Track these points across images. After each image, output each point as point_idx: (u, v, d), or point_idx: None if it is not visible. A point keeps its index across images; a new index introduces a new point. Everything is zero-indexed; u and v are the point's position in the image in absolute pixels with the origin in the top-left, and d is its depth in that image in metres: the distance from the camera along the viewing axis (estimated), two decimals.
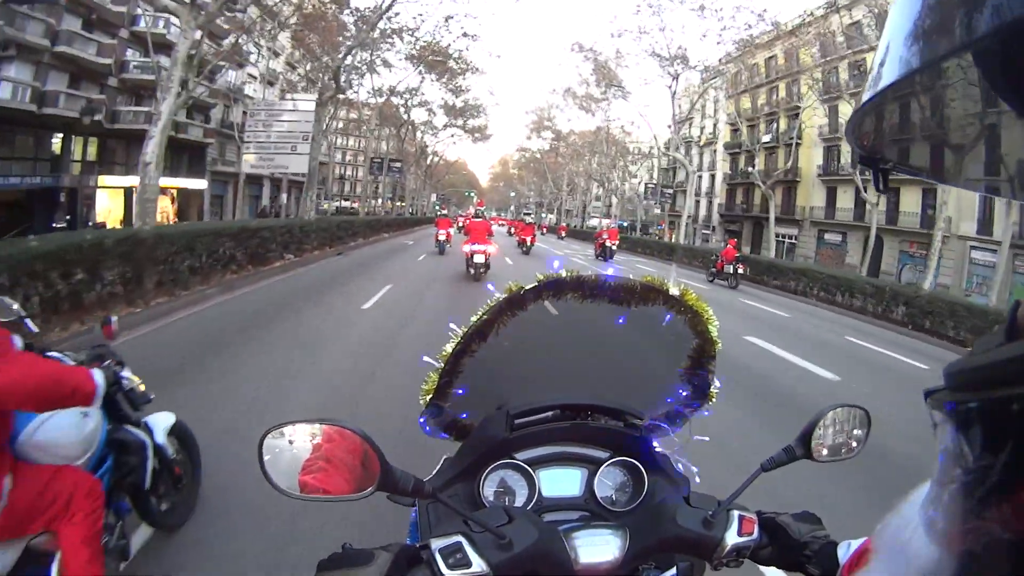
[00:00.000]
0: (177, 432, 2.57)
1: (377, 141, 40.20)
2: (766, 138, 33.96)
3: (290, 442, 0.75)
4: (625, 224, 54.20)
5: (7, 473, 1.56)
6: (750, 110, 35.80)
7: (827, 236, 32.16)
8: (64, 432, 1.81)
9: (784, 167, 30.33)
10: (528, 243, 24.36)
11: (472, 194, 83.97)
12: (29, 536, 1.62)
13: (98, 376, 1.67)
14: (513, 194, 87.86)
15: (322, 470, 0.74)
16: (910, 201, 24.51)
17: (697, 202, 39.22)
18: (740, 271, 18.71)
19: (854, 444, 1.00)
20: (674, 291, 1.11)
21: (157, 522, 2.37)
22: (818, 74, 27.47)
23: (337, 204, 52.65)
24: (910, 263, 26.22)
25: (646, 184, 40.14)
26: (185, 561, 2.45)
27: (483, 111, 42.06)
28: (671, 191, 38.37)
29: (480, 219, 14.35)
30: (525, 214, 67.34)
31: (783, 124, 34.21)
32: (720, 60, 30.09)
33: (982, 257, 22.33)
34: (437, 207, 59.17)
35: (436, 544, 0.75)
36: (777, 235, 35.02)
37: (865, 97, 0.41)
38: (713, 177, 42.56)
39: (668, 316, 1.14)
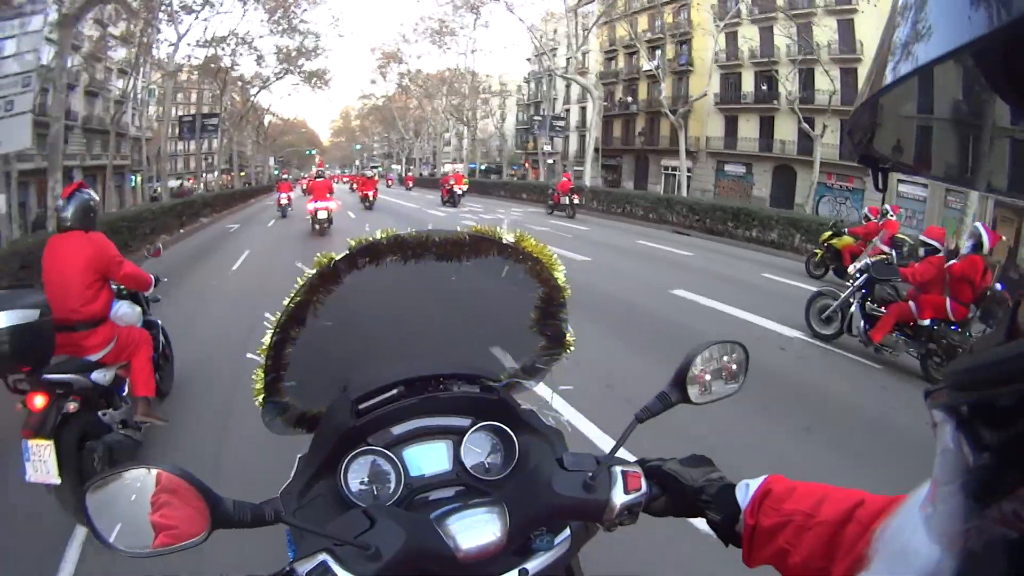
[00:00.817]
0: (162, 328, 4.00)
1: (199, 105, 34.31)
2: (648, 66, 31.75)
3: (114, 495, 0.68)
4: (484, 167, 51.71)
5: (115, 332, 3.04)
6: (627, 37, 33.25)
7: (728, 168, 31.25)
8: (127, 312, 3.57)
9: (677, 96, 28.67)
10: (371, 198, 24.24)
11: (313, 152, 78.50)
12: (119, 364, 3.15)
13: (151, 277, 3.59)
14: (359, 147, 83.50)
15: (151, 522, 0.68)
16: (828, 131, 23.02)
17: (566, 138, 37.72)
18: (576, 201, 20.65)
19: (733, 383, 0.96)
20: (508, 238, 1.06)
21: (158, 389, 3.50)
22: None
23: (178, 184, 45.58)
24: (828, 195, 25.49)
25: (533, 117, 36.66)
26: (171, 410, 4.04)
27: (322, 51, 36.95)
28: (562, 121, 34.80)
29: (321, 179, 15.79)
30: (372, 167, 64.00)
31: (670, 52, 32.71)
32: None
33: (911, 191, 22.10)
34: (277, 172, 54.05)
35: (301, 568, 0.71)
36: (667, 168, 34.44)
37: (865, 97, 0.41)
38: (584, 110, 39.94)
39: (506, 267, 1.10)
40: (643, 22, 33.26)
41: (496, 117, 46.94)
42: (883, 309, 5.76)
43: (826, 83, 22.65)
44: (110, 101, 28.30)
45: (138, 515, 0.67)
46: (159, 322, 4.06)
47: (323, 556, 0.72)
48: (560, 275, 1.14)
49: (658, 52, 30.93)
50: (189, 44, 30.49)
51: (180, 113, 34.13)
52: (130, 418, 3.25)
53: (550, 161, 35.48)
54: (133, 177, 39.35)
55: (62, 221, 3.17)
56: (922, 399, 0.39)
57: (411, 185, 43.90)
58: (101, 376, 3.07)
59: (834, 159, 22.95)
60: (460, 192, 25.29)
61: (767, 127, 28.40)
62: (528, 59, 48.85)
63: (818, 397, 4.79)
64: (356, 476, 1.00)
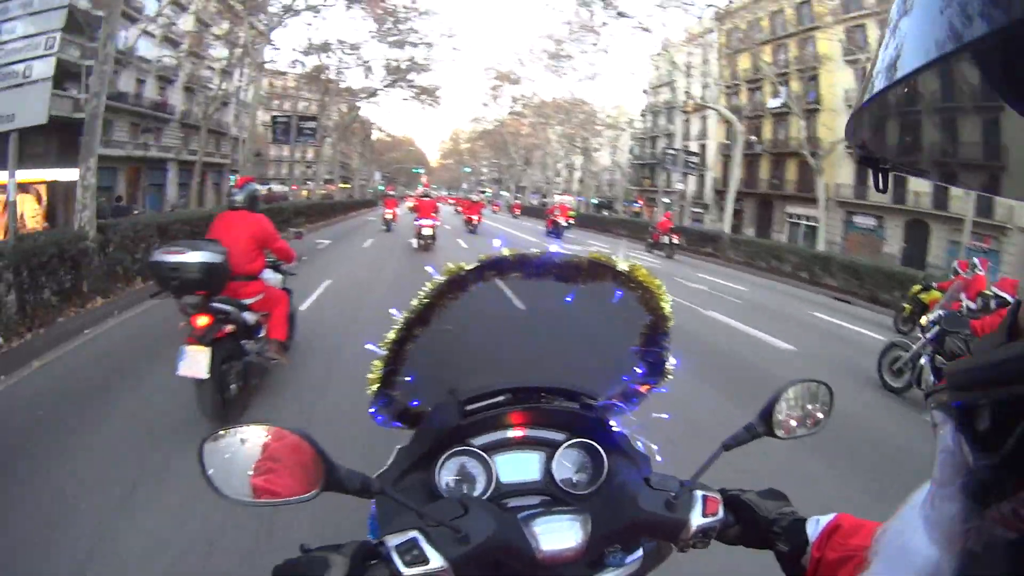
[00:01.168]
0: (292, 297, 4.78)
1: (294, 111, 35.89)
2: (775, 103, 30.55)
3: (234, 447, 0.76)
4: (596, 201, 50.49)
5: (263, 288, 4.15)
6: (750, 70, 32.49)
7: (857, 219, 29.37)
8: (272, 276, 4.56)
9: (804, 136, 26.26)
10: (475, 222, 25.27)
11: (420, 171, 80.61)
12: (263, 312, 4.17)
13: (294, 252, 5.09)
14: (468, 169, 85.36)
15: (270, 472, 0.76)
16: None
17: (684, 176, 35.58)
18: (676, 241, 20.84)
19: (816, 420, 1.02)
20: (623, 266, 1.12)
21: (285, 347, 4.51)
22: (840, 32, 24.93)
23: (266, 189, 47.04)
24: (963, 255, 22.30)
25: (666, 151, 34.16)
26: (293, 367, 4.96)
27: (432, 64, 36.77)
28: (696, 157, 33.02)
29: (427, 198, 17.81)
30: (480, 192, 65.21)
31: (796, 87, 30.40)
32: (717, 13, 27.45)
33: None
34: (382, 187, 56.27)
35: (391, 541, 0.76)
36: (792, 215, 32.74)
37: (865, 97, 0.42)
38: (704, 147, 38.89)
39: (618, 293, 1.15)
40: (767, 54, 31.36)
41: (610, 149, 45.17)
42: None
43: None
44: (209, 98, 28.78)
45: (249, 468, 0.75)
46: (291, 291, 4.95)
47: (414, 533, 0.77)
48: (667, 305, 1.18)
49: (783, 88, 28.85)
50: (295, 50, 31.38)
51: (275, 114, 34.44)
52: (264, 352, 4.28)
53: (666, 200, 32.95)
54: (233, 176, 42.42)
55: (233, 202, 4.39)
56: None
57: (518, 213, 44.05)
58: (249, 317, 4.07)
59: (969, 215, 21.18)
60: (564, 224, 25.27)
61: (901, 176, 25.13)
62: (644, 91, 46.70)
63: (882, 448, 4.63)
64: (449, 473, 1.06)
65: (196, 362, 3.56)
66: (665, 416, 1.28)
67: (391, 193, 29.11)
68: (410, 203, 32.83)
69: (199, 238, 4.09)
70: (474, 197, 36.63)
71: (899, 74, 0.37)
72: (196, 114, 30.27)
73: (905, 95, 0.41)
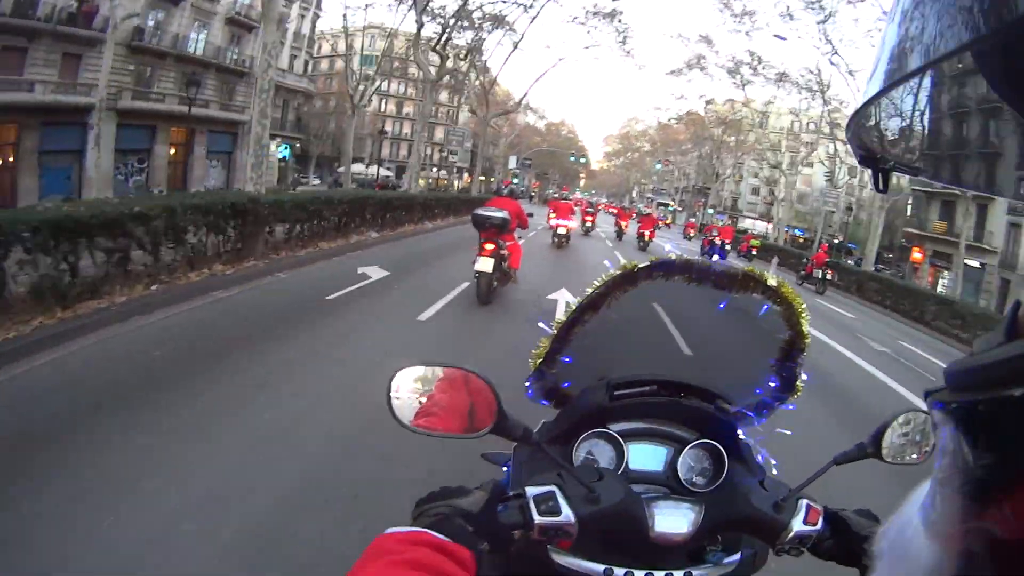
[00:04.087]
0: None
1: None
2: None
3: (413, 382, 0.97)
4: (801, 231, 37.78)
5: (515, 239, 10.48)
6: None
7: None
8: (517, 234, 10.53)
9: None
10: (647, 238, 25.80)
11: (582, 160, 69.44)
12: (510, 253, 9.70)
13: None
14: (659, 166, 68.94)
15: (436, 415, 0.96)
16: None
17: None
18: (828, 277, 21.61)
19: (923, 450, 1.14)
20: (772, 282, 1.26)
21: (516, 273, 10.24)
22: None
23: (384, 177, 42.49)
24: None
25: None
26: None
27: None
28: None
29: (564, 200, 25.88)
30: (659, 203, 60.90)
31: None
32: None
33: None
34: (517, 180, 44.49)
35: (531, 491, 0.93)
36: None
37: (865, 97, 0.44)
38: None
39: (764, 307, 1.30)
40: None
41: (821, 168, 34.10)
42: None
43: None
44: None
45: (430, 403, 0.97)
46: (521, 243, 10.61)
47: (552, 487, 0.93)
48: (806, 324, 1.29)
49: None
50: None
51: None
52: (509, 270, 9.61)
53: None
54: (286, 147, 40.33)
55: (501, 191, 16.66)
56: None
57: (692, 234, 41.90)
58: (505, 252, 9.28)
59: None
60: (726, 246, 27.20)
61: None
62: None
63: None
64: (583, 453, 1.23)
65: (486, 263, 8.64)
66: (788, 432, 1.45)
67: (563, 195, 29.95)
68: (577, 209, 33.11)
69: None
70: (644, 209, 37.31)
71: (899, 74, 0.39)
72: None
73: (905, 95, 0.43)
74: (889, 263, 38.22)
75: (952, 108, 0.43)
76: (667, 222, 51.86)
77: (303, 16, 32.47)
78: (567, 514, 0.90)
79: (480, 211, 9.15)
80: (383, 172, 49.96)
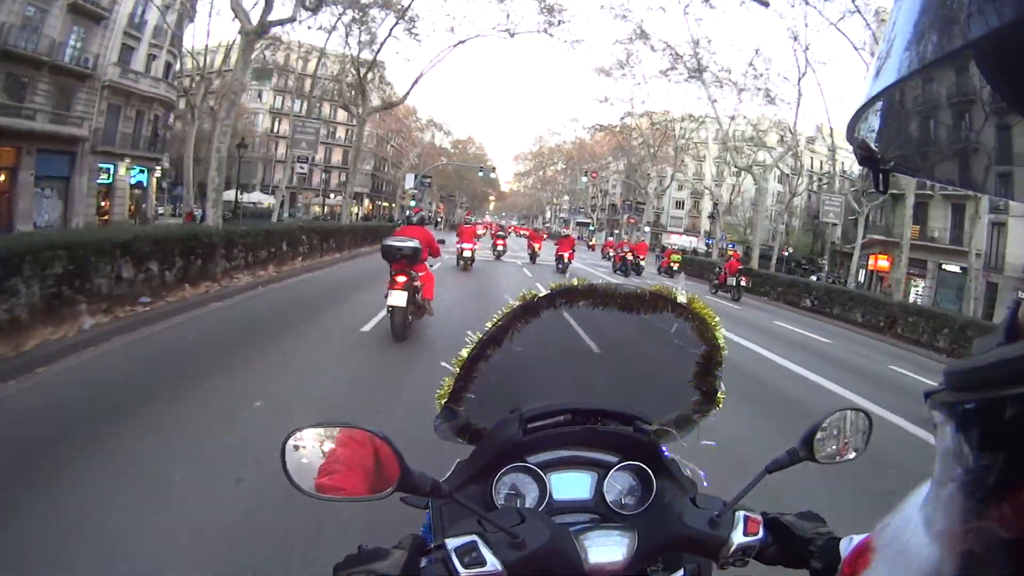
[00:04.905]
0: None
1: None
2: None
3: (311, 445, 0.93)
4: (732, 247, 40.04)
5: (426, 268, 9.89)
6: None
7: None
8: (427, 263, 9.93)
9: None
10: (566, 259, 24.87)
11: (492, 175, 64.50)
12: (422, 283, 8.84)
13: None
14: (584, 181, 68.13)
15: (339, 472, 0.92)
16: None
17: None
18: (743, 284, 22.43)
19: (856, 447, 1.19)
20: (682, 299, 1.30)
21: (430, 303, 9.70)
22: None
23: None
24: None
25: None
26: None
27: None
28: None
29: (469, 225, 25.25)
30: (578, 224, 60.08)
31: None
32: None
33: None
34: (415, 203, 43.52)
35: (451, 543, 0.90)
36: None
37: (865, 97, 0.46)
38: None
39: (676, 324, 1.35)
40: None
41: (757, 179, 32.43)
42: None
43: None
44: None
45: (327, 465, 0.93)
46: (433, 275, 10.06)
47: (474, 536, 0.91)
48: (721, 337, 1.35)
49: None
50: None
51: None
52: (423, 302, 8.89)
53: None
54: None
55: (410, 219, 10.12)
56: None
57: (611, 252, 41.84)
58: (418, 284, 8.69)
59: None
60: (640, 262, 27.90)
61: None
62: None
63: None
64: (504, 488, 1.24)
65: (399, 297, 8.12)
66: (712, 444, 1.43)
67: (469, 219, 30.59)
68: (481, 230, 35.60)
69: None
70: (564, 231, 36.82)
71: (899, 74, 0.40)
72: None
73: (905, 95, 0.44)
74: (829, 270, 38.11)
75: (952, 108, 0.44)
76: (592, 243, 50.46)
77: (168, 5, 26.57)
78: (493, 563, 0.87)
79: (389, 241, 8.78)
80: (263, 199, 44.38)
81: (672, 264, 29.67)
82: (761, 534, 1.01)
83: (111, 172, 29.06)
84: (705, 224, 40.86)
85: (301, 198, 56.70)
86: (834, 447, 1.15)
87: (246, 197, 42.49)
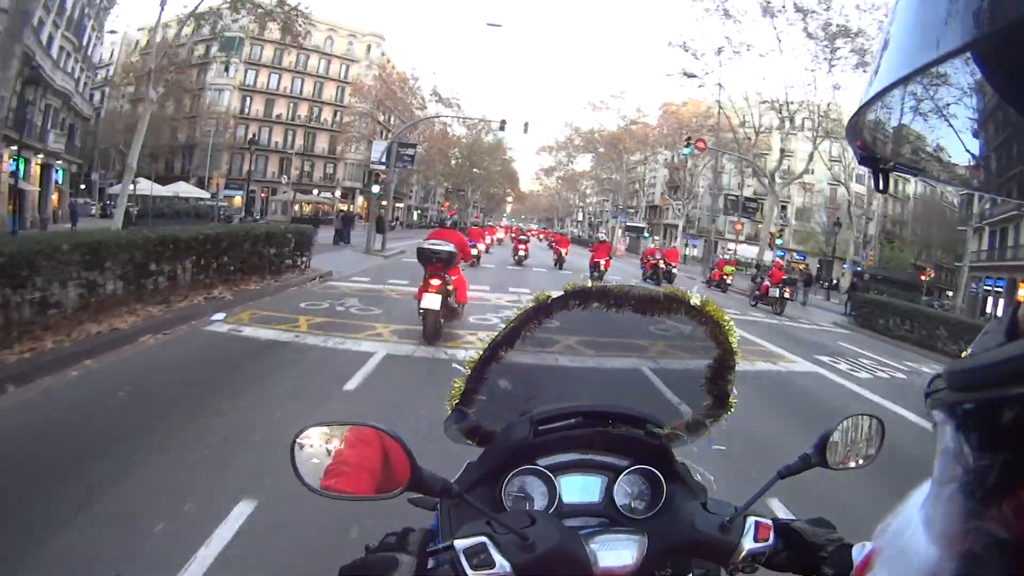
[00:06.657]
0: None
1: None
2: None
3: (318, 443, 0.96)
4: (802, 258, 39.94)
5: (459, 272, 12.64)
6: None
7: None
8: (461, 267, 12.44)
9: None
10: (601, 267, 24.40)
11: (499, 132, 56.01)
12: (455, 286, 10.67)
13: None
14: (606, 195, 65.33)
15: (347, 472, 0.95)
16: None
17: None
18: (787, 296, 21.75)
19: (869, 453, 1.23)
20: (695, 302, 1.31)
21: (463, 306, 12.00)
22: None
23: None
24: None
25: None
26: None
27: None
28: None
29: (480, 227, 32.62)
30: (628, 228, 53.54)
31: None
32: None
33: None
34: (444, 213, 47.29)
35: (460, 544, 0.93)
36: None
37: (865, 96, 0.46)
38: None
39: (690, 326, 1.38)
40: None
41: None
42: None
43: None
44: None
45: (339, 464, 0.96)
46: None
47: (483, 538, 0.93)
48: (734, 341, 1.36)
49: None
50: None
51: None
52: (456, 305, 10.03)
53: None
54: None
55: (445, 223, 20.30)
56: None
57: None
58: (451, 287, 9.53)
59: None
60: (673, 270, 27.22)
61: None
62: None
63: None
64: (514, 490, 1.28)
65: (433, 300, 8.88)
66: (723, 448, 1.52)
67: (476, 221, 32.72)
68: (501, 234, 39.60)
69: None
70: (601, 236, 37.10)
71: (900, 74, 0.41)
72: None
73: (905, 95, 0.44)
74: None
75: (952, 108, 0.43)
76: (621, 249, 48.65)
77: None
78: (502, 564, 0.90)
79: (425, 245, 9.65)
80: (228, 196, 40.31)
81: (725, 276, 27.56)
82: (771, 540, 1.05)
83: None
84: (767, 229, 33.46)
85: (280, 192, 50.66)
86: (847, 453, 1.19)
87: (183, 191, 37.62)
